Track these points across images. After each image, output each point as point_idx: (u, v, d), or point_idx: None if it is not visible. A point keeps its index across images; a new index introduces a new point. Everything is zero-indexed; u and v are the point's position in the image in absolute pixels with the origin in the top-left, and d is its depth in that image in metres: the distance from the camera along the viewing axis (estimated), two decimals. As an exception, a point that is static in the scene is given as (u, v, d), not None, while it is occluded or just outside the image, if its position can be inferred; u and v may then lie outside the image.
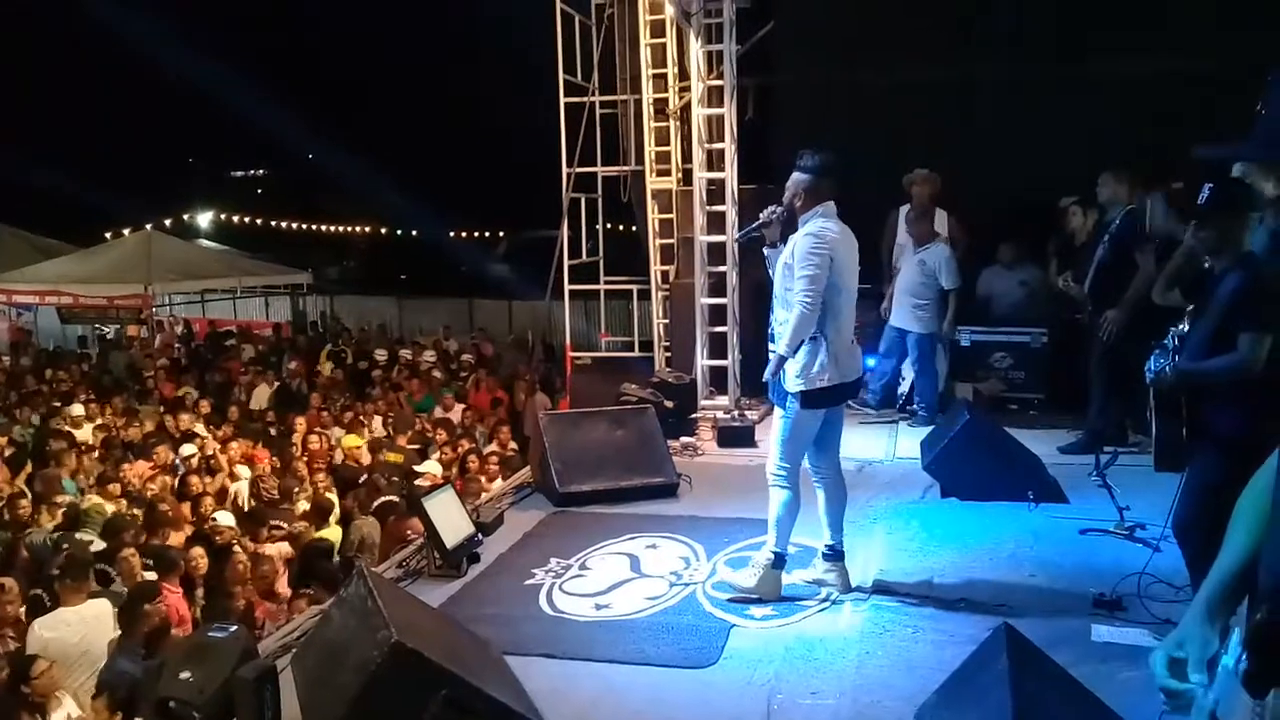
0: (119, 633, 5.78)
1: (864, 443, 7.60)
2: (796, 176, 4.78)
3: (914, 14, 9.05)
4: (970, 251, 8.67)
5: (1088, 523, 5.70)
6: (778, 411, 4.83)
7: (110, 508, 8.15)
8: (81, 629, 5.93)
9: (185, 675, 3.19)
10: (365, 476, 8.82)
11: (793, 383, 4.65)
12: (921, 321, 8.20)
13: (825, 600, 4.84)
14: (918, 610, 4.70)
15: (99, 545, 7.07)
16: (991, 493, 6.14)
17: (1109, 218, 7.11)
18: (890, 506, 6.20)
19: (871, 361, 8.38)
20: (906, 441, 7.29)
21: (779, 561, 4.85)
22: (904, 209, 8.58)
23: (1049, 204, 8.33)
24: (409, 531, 6.66)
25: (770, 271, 4.98)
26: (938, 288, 8.17)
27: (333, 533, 7.63)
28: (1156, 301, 5.46)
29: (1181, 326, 4.31)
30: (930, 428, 7.39)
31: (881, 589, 4.92)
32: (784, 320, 4.67)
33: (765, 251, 5.01)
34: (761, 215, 5.01)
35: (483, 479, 8.52)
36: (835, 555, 4.96)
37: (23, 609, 6.28)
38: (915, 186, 8.46)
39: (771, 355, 4.79)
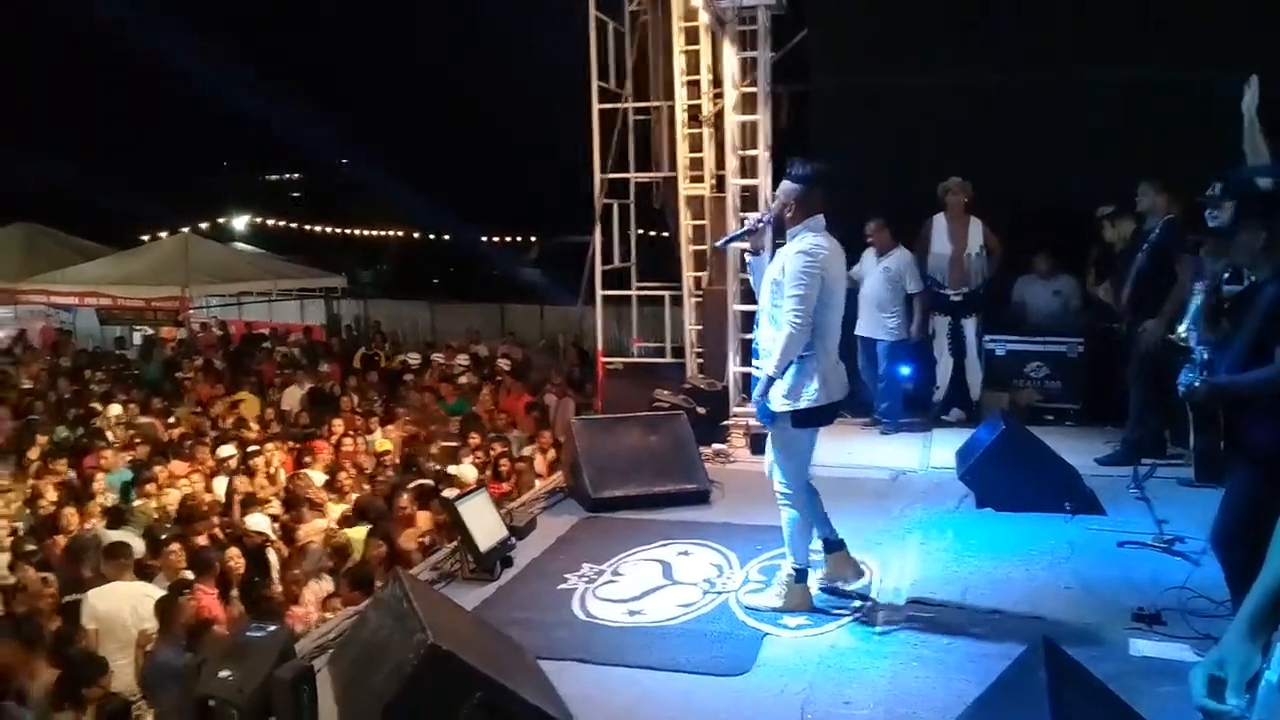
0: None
1: (898, 452, 7.58)
2: (787, 185, 4.65)
3: (950, 20, 9.00)
4: (1004, 260, 8.63)
5: (1126, 535, 5.64)
6: (769, 431, 4.77)
7: (151, 505, 8.28)
8: (131, 602, 6.10)
9: (225, 673, 3.23)
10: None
11: (781, 403, 4.56)
12: (889, 329, 8.37)
13: (859, 610, 4.82)
14: (953, 621, 4.66)
15: (139, 545, 7.18)
16: (1027, 503, 6.09)
17: (1147, 227, 7.05)
18: (925, 516, 6.16)
19: (906, 370, 8.38)
20: (941, 451, 7.25)
21: (801, 576, 4.83)
22: (936, 217, 8.55)
23: (1086, 213, 8.26)
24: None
25: (752, 279, 4.92)
26: (903, 294, 8.36)
27: (357, 532, 7.68)
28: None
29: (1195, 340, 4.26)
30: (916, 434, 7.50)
31: (916, 599, 4.90)
32: (772, 339, 4.58)
33: (748, 259, 4.94)
34: (747, 222, 4.95)
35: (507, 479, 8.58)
36: (834, 546, 4.94)
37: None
38: (950, 194, 8.45)
39: (757, 374, 4.72)
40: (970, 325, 8.53)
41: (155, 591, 6.39)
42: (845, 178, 7.97)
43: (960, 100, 8.76)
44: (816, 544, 4.96)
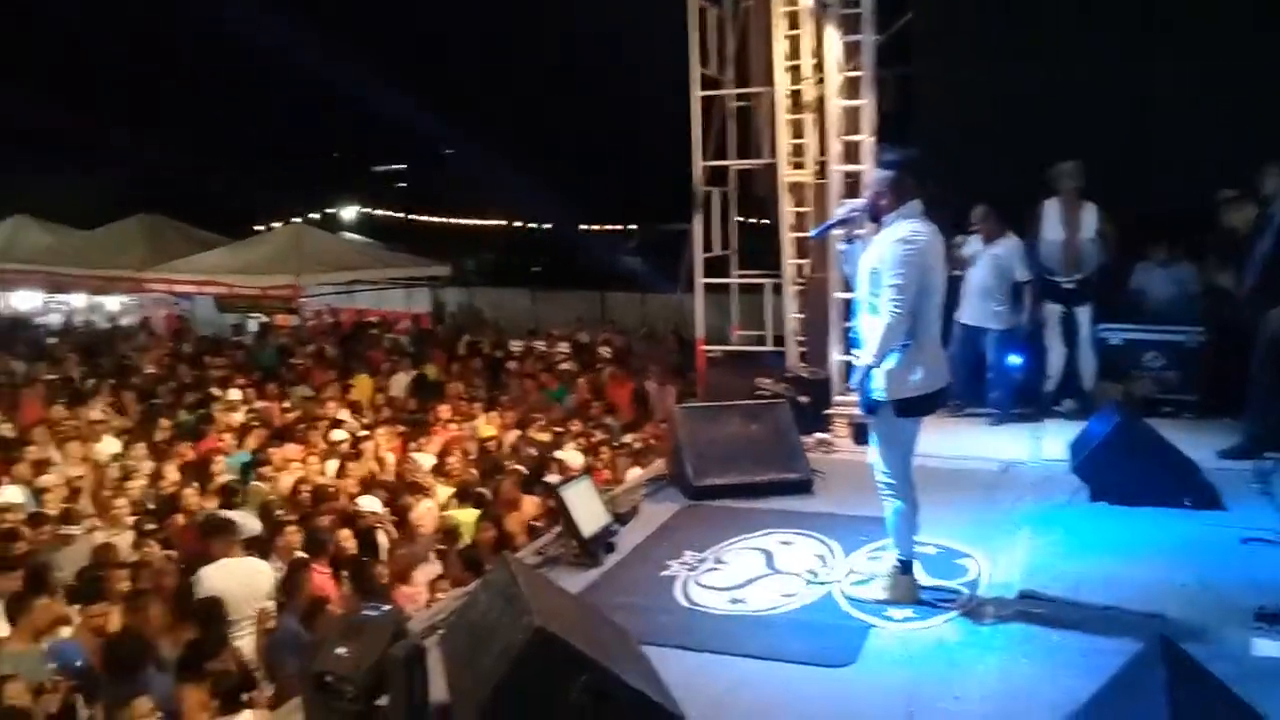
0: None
1: (1007, 444, 7.41)
2: (880, 173, 4.64)
3: (1059, 2, 8.75)
4: (1120, 247, 8.35)
5: (1248, 531, 5.42)
6: (871, 421, 4.74)
7: (265, 488, 8.59)
8: (243, 578, 6.39)
9: (341, 651, 3.34)
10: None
11: (883, 392, 4.53)
12: (998, 318, 8.14)
13: (967, 604, 4.74)
14: (1064, 617, 4.55)
15: (255, 525, 7.47)
16: (1144, 498, 5.89)
17: (1273, 210, 6.75)
18: (1036, 510, 6.01)
19: (1017, 359, 8.19)
20: (1052, 443, 7.06)
21: (906, 568, 4.77)
22: (1049, 202, 8.31)
23: (1206, 197, 7.94)
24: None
25: (845, 268, 4.89)
26: (1011, 282, 8.11)
27: (466, 514, 7.85)
28: None
29: None
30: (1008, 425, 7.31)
31: (1026, 594, 4.79)
32: (871, 327, 4.55)
33: (840, 248, 4.91)
34: (839, 211, 4.92)
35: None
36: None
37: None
38: (1062, 180, 8.19)
39: (856, 363, 4.70)
40: (1084, 314, 8.26)
41: (264, 567, 6.67)
42: (951, 162, 7.87)
43: (1073, 82, 8.50)
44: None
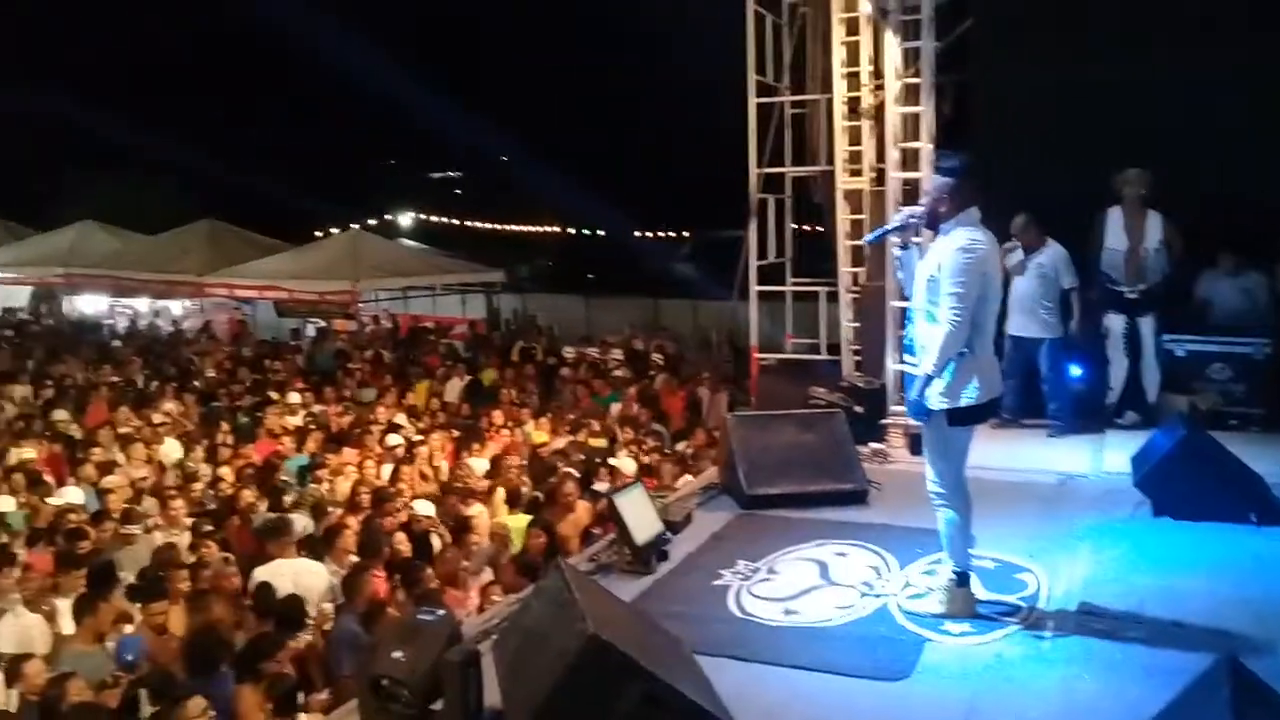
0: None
1: (1067, 456, 7.28)
2: (938, 180, 4.64)
3: (1124, 4, 8.57)
4: (1186, 256, 8.16)
5: (1319, 549, 5.28)
6: (924, 430, 4.72)
7: (321, 491, 8.70)
8: (294, 579, 6.48)
9: (397, 654, 3.36)
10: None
11: (938, 400, 4.51)
12: (1046, 326, 8.01)
13: (1026, 618, 4.66)
14: (1127, 634, 4.46)
15: (310, 527, 7.58)
16: (1209, 513, 5.76)
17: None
18: (1097, 524, 5.89)
19: (1077, 370, 8.05)
20: (1114, 455, 6.92)
21: (963, 580, 4.71)
22: (1112, 210, 8.16)
23: (1274, 205, 7.73)
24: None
25: (899, 274, 4.92)
26: (1058, 290, 7.99)
27: (517, 520, 7.88)
28: None
29: None
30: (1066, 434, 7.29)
31: (1087, 610, 4.70)
32: (928, 335, 4.53)
33: (897, 254, 4.88)
34: (896, 218, 4.89)
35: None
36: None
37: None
38: (1126, 187, 8.04)
39: (910, 370, 4.67)
40: (1147, 324, 8.10)
41: (318, 569, 6.78)
42: (1009, 170, 7.75)
43: (1136, 88, 8.31)
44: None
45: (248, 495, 8.47)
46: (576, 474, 8.68)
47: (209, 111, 32.90)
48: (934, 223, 4.66)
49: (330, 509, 8.23)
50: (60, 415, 11.98)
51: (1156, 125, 8.19)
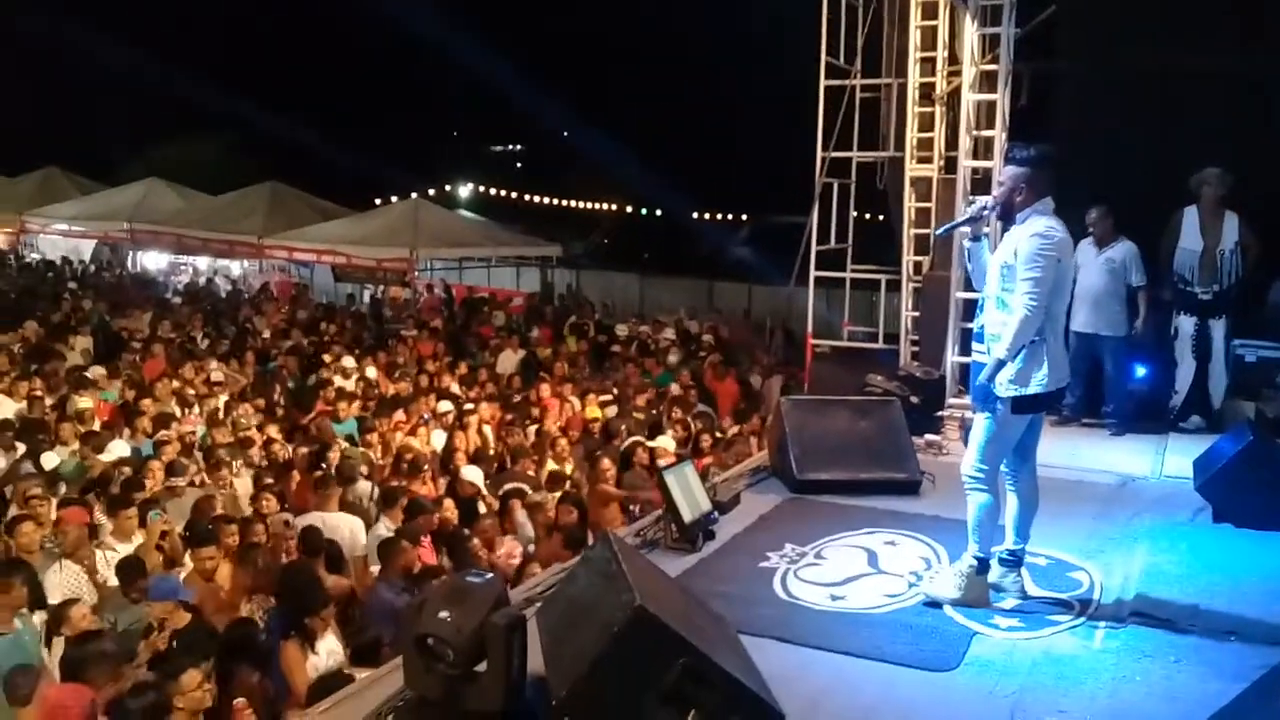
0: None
1: (1127, 457, 7.12)
2: (1013, 170, 4.58)
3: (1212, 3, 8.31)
4: (1262, 260, 7.93)
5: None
6: (980, 414, 4.66)
7: (373, 454, 8.77)
8: (335, 531, 6.57)
9: (444, 614, 3.34)
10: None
11: (1007, 388, 4.48)
12: (1111, 324, 7.85)
13: (1077, 616, 4.57)
14: (1181, 638, 4.35)
15: (363, 489, 7.65)
16: (1272, 522, 5.60)
17: None
18: (1155, 526, 5.76)
19: (1142, 370, 7.87)
20: (1176, 459, 6.76)
21: (983, 567, 4.66)
22: (1188, 210, 7.94)
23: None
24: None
25: (968, 264, 4.89)
26: (1125, 288, 7.82)
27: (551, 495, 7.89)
28: None
29: None
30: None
31: (1141, 612, 4.58)
32: (1002, 323, 4.49)
33: (967, 245, 4.85)
34: (969, 209, 4.83)
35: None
36: (1016, 561, 4.74)
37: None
38: (1205, 187, 7.81)
39: (981, 357, 4.62)
40: (1218, 327, 7.88)
41: (358, 525, 6.95)
42: (1086, 162, 7.56)
43: (1221, 85, 8.07)
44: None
45: (300, 454, 8.56)
46: (619, 450, 8.64)
47: (280, 77, 33.29)
48: (1007, 213, 4.64)
49: (380, 471, 8.29)
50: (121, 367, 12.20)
51: (1240, 123, 7.95)
